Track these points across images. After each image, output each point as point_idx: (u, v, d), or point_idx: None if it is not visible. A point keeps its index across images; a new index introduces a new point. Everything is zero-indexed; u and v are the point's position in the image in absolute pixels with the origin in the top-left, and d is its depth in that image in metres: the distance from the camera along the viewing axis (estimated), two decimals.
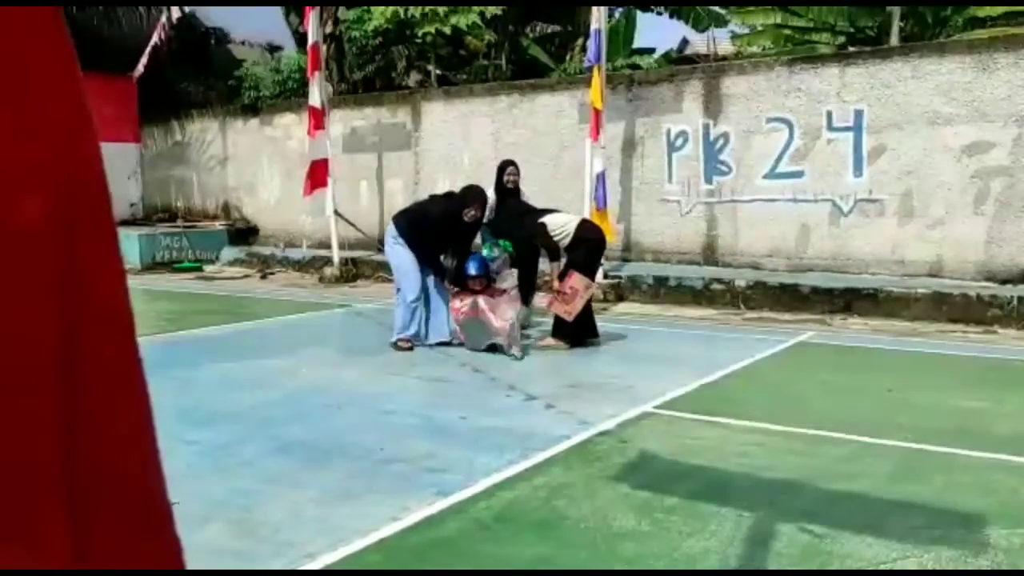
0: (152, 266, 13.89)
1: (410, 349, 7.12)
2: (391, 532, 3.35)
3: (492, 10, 14.10)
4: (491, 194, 8.00)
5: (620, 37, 15.73)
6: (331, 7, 14.98)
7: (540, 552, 3.20)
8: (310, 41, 12.05)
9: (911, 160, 9.44)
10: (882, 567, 3.06)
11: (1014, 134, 8.90)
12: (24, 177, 0.63)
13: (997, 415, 5.13)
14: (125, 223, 15.00)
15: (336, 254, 12.35)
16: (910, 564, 3.08)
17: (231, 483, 3.92)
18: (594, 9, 10.08)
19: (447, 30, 14.08)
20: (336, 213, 12.32)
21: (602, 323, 7.57)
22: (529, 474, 4.04)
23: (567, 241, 7.11)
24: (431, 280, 7.26)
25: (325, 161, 11.98)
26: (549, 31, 17.36)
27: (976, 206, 9.13)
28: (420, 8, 13.94)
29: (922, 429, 4.77)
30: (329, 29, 14.87)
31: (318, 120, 11.95)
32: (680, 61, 16.29)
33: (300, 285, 12.15)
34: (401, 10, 14.09)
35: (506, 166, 8.07)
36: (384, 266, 9.85)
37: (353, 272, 12.34)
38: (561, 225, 7.16)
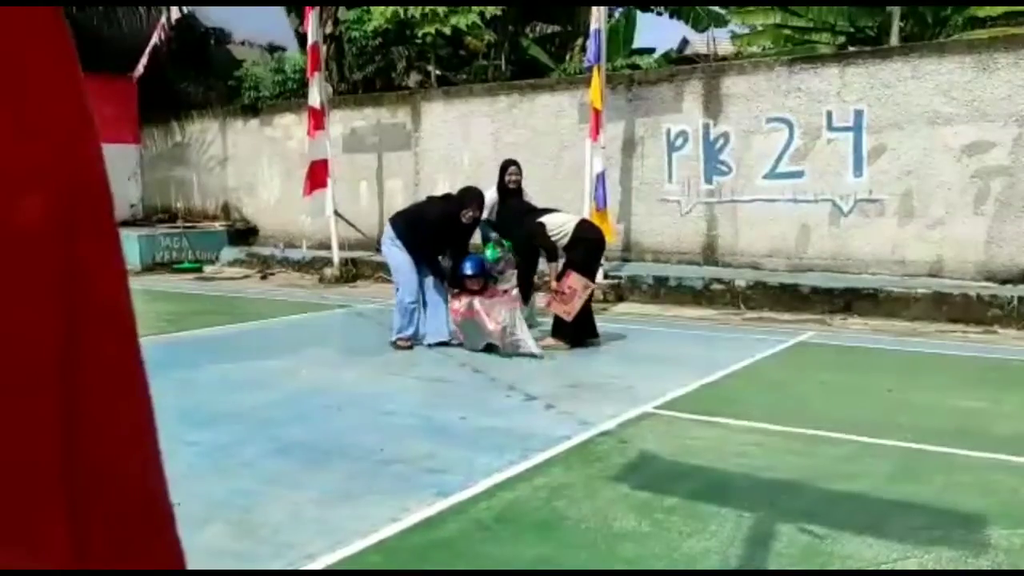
0: (152, 267, 13.89)
1: (409, 349, 7.12)
2: (391, 533, 3.35)
3: (492, 10, 14.10)
4: (493, 193, 8.02)
5: (620, 37, 15.73)
6: (331, 8, 14.98)
7: (540, 553, 3.19)
8: (310, 41, 12.06)
9: (911, 160, 9.44)
10: (883, 567, 3.06)
11: (1014, 134, 8.90)
12: (25, 177, 0.63)
13: (997, 415, 5.13)
14: (125, 224, 14.99)
15: (336, 254, 12.35)
16: (911, 564, 3.08)
17: (231, 484, 3.92)
18: (594, 9, 10.08)
19: (447, 30, 14.08)
20: (336, 213, 12.32)
21: (602, 323, 7.57)
22: (529, 474, 4.04)
23: (565, 241, 7.11)
24: (429, 281, 7.27)
25: (325, 161, 11.98)
26: (549, 31, 17.36)
27: (976, 206, 9.13)
28: (420, 8, 13.95)
29: (922, 429, 4.77)
30: (329, 29, 14.87)
31: (318, 120, 11.95)
32: (680, 61, 16.29)
33: (300, 285, 12.15)
34: (401, 10, 14.09)
35: (508, 166, 8.07)
36: (384, 267, 9.85)
37: (353, 272, 12.34)
38: (560, 225, 7.17)
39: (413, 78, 16.28)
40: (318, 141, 11.99)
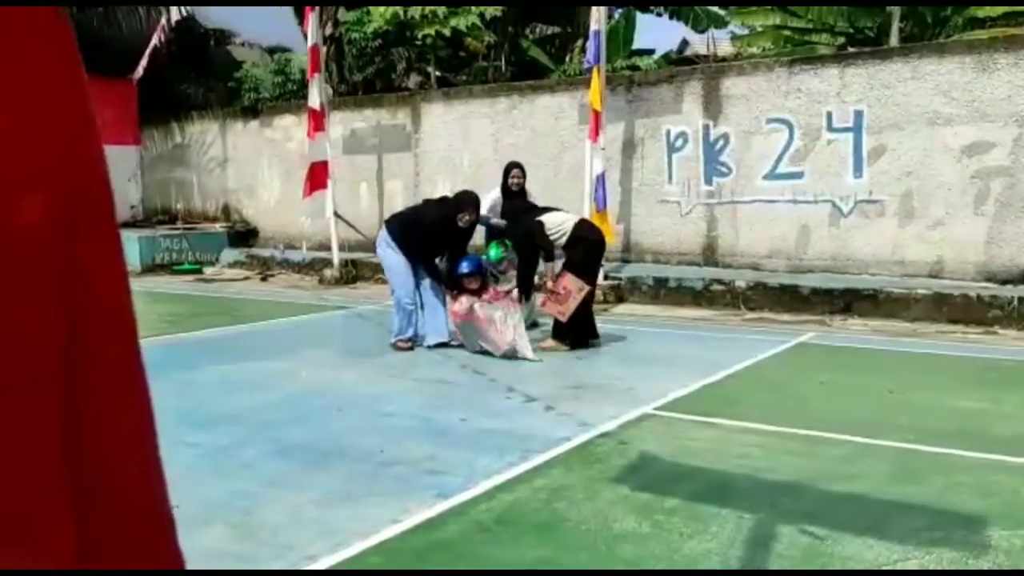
0: (152, 268, 13.89)
1: (410, 350, 7.13)
2: (391, 534, 3.35)
3: (492, 11, 14.11)
4: (497, 194, 8.07)
5: (620, 38, 15.73)
6: (331, 9, 14.99)
7: (541, 554, 3.19)
8: (309, 43, 12.07)
9: (911, 161, 9.44)
10: (884, 568, 3.06)
11: (1014, 134, 8.90)
12: (26, 177, 0.63)
13: (997, 416, 5.13)
14: (125, 225, 14.99)
15: (336, 256, 12.36)
16: (911, 565, 3.08)
17: (231, 485, 3.92)
18: (593, 10, 10.08)
19: (447, 32, 14.09)
20: (336, 215, 12.33)
21: (602, 324, 7.57)
22: (529, 476, 4.04)
23: (564, 240, 7.11)
24: (426, 282, 7.26)
25: (325, 163, 11.99)
26: (549, 32, 17.37)
27: (976, 206, 9.12)
28: (420, 10, 13.96)
29: (922, 430, 4.77)
30: (329, 31, 14.88)
31: (318, 122, 11.95)
32: (680, 62, 16.29)
33: (300, 287, 12.15)
34: (401, 12, 14.10)
35: (511, 168, 8.12)
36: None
37: (353, 274, 12.34)
38: (558, 224, 7.16)
39: (413, 79, 16.29)
40: (318, 142, 11.99)
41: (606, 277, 9.91)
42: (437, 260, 7.39)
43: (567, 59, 16.32)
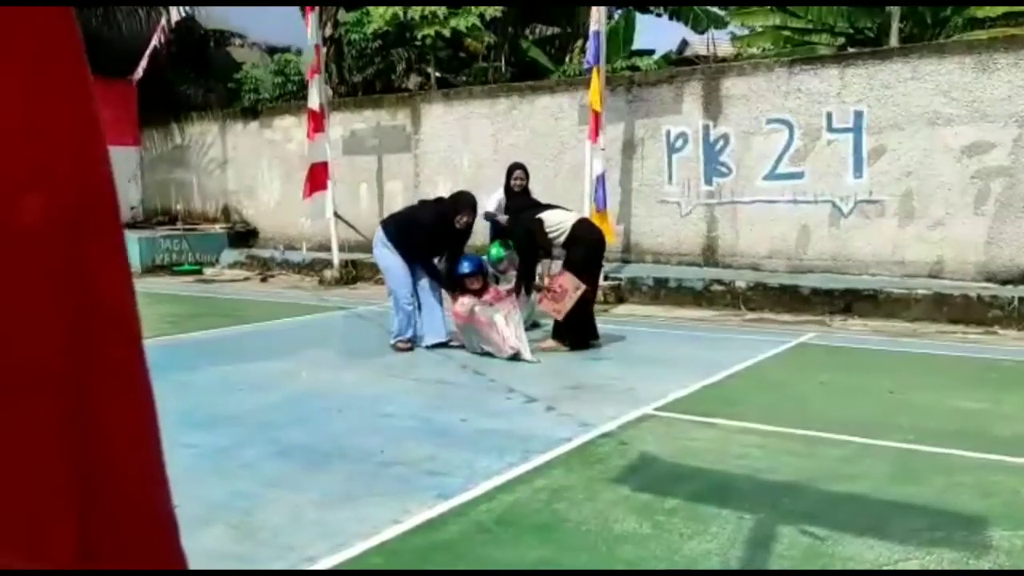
0: (152, 269, 13.89)
1: (410, 350, 7.13)
2: (392, 535, 3.35)
3: (491, 12, 14.12)
4: (501, 194, 8.11)
5: (619, 39, 15.73)
6: (330, 10, 14.99)
7: (541, 555, 3.19)
8: (309, 44, 12.07)
9: (911, 161, 9.44)
10: (884, 569, 3.06)
11: (1014, 134, 8.90)
12: (27, 177, 0.63)
13: (997, 416, 5.13)
14: (125, 226, 14.86)
15: (336, 256, 12.36)
16: (912, 566, 3.08)
17: (231, 486, 3.92)
18: (593, 10, 10.08)
19: (447, 32, 14.09)
20: (336, 215, 12.33)
21: (602, 324, 7.57)
22: (530, 476, 4.04)
23: (563, 239, 7.11)
24: (423, 283, 7.26)
25: (325, 164, 12.00)
26: (548, 33, 17.38)
27: (976, 207, 9.12)
28: (419, 10, 13.96)
29: (922, 430, 4.77)
30: (329, 32, 14.88)
31: (317, 123, 11.96)
32: (680, 62, 16.30)
33: (300, 288, 12.15)
34: (400, 12, 14.10)
35: (514, 169, 8.17)
36: None
37: (353, 274, 12.34)
38: (557, 223, 7.15)
39: (413, 80, 16.29)
40: (318, 143, 12.00)
41: (606, 278, 9.91)
42: (436, 260, 7.40)
43: (567, 60, 16.33)
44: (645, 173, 11.15)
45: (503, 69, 15.69)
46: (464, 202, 7.26)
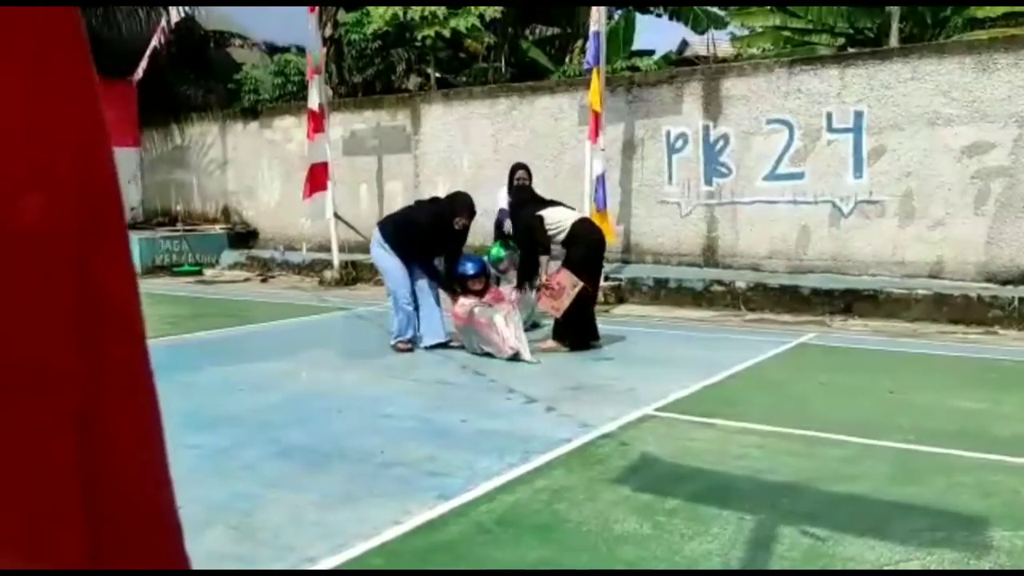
0: (152, 270, 13.89)
1: (410, 351, 7.13)
2: (392, 536, 3.35)
3: (491, 12, 14.12)
4: (504, 194, 8.14)
5: (619, 39, 15.74)
6: (330, 10, 14.99)
7: (541, 555, 3.19)
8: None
9: (911, 161, 9.44)
10: (885, 569, 3.06)
11: (1014, 134, 8.90)
12: (27, 176, 0.63)
13: (997, 416, 5.13)
14: None
15: (336, 257, 12.36)
16: (913, 566, 3.07)
17: (231, 487, 3.92)
18: (593, 11, 10.08)
19: (446, 33, 14.10)
20: (336, 216, 12.33)
21: (602, 325, 7.56)
22: (530, 477, 4.04)
23: (562, 236, 7.10)
24: (421, 283, 7.25)
25: (325, 164, 11.99)
26: (548, 33, 17.39)
27: (976, 207, 9.12)
28: (419, 11, 13.96)
29: (922, 430, 4.77)
30: (328, 32, 14.88)
31: (317, 123, 11.96)
32: (680, 63, 16.31)
33: (300, 288, 12.15)
34: (400, 13, 14.10)
35: (516, 170, 8.23)
36: None
37: (353, 275, 12.34)
38: (558, 221, 7.15)
39: (413, 81, 16.30)
40: (318, 144, 12.00)
41: (607, 278, 9.91)
42: (435, 261, 7.40)
43: (567, 60, 16.33)
44: (645, 173, 11.15)
45: (503, 69, 15.69)
46: (461, 204, 7.26)
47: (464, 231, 7.32)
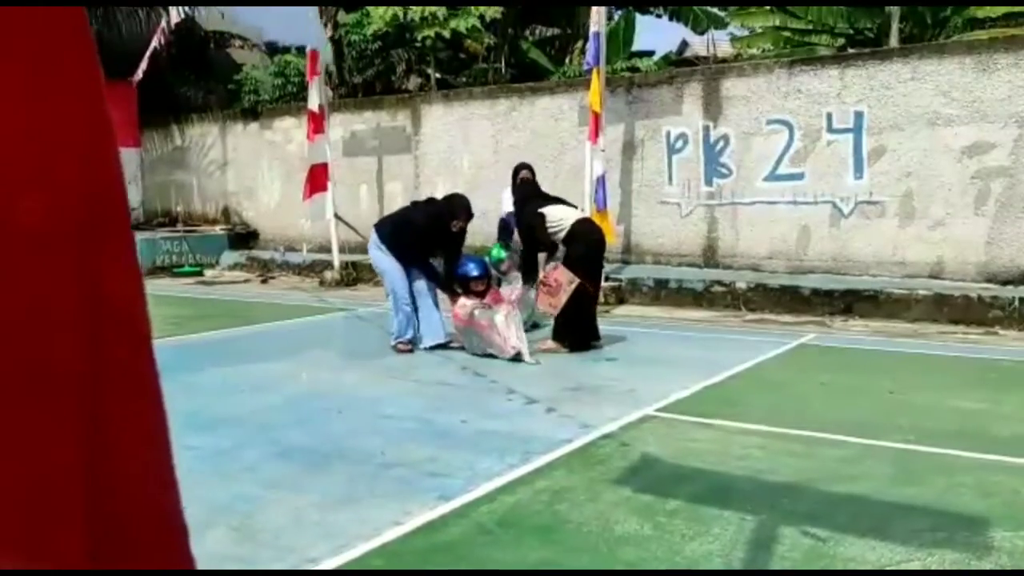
0: (152, 271, 13.89)
1: (410, 352, 7.13)
2: (393, 536, 3.35)
3: (491, 13, 14.12)
4: (508, 195, 8.15)
5: (619, 40, 15.74)
6: (330, 10, 14.99)
7: (542, 556, 3.19)
8: (309, 46, 12.08)
9: (911, 161, 9.44)
10: (887, 569, 3.05)
11: (1014, 135, 8.90)
12: (28, 177, 0.62)
13: (998, 416, 5.13)
14: None
15: (336, 258, 12.36)
16: (914, 567, 3.07)
17: (232, 488, 3.92)
18: (593, 11, 10.08)
19: (446, 33, 14.09)
20: (336, 217, 12.33)
21: (603, 325, 7.56)
22: (531, 478, 4.03)
23: (562, 235, 7.10)
24: (419, 284, 7.24)
25: (325, 165, 11.99)
26: (548, 34, 17.38)
27: (977, 207, 9.12)
28: (419, 11, 13.96)
29: (923, 430, 4.77)
30: (329, 33, 14.88)
31: (317, 124, 11.96)
32: (680, 63, 16.31)
33: (301, 289, 12.15)
34: (400, 14, 14.10)
35: (520, 169, 8.26)
36: None
37: (353, 276, 12.34)
38: (558, 219, 7.15)
39: (413, 81, 16.29)
40: (318, 144, 12.00)
41: (607, 279, 9.91)
42: (432, 262, 7.40)
43: (567, 61, 16.33)
44: (645, 174, 11.15)
45: (503, 70, 15.69)
46: (459, 206, 7.26)
47: (461, 233, 7.32)
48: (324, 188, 12.04)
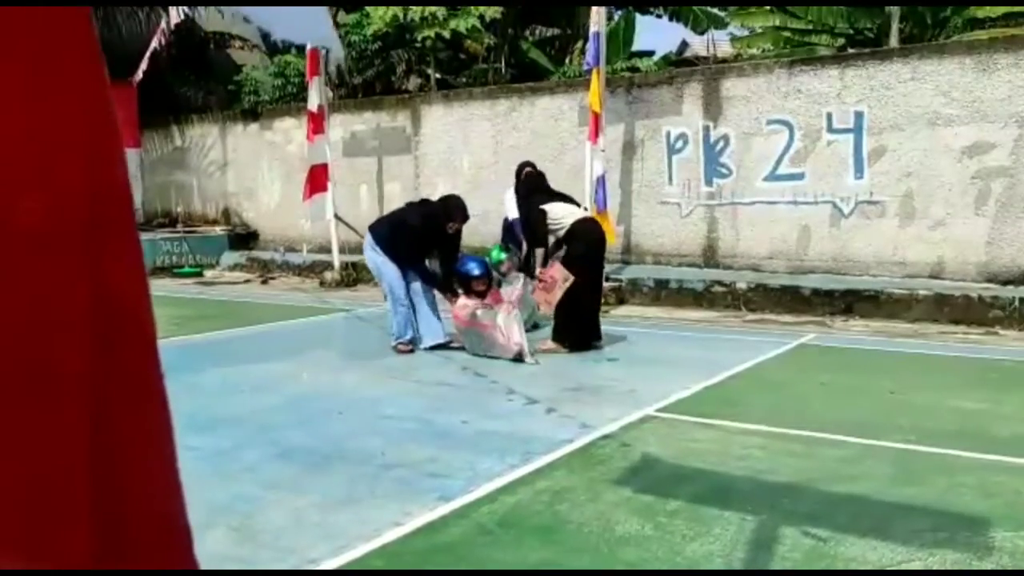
0: (152, 271, 13.87)
1: (410, 352, 7.12)
2: (394, 537, 3.34)
3: (491, 13, 14.11)
4: (511, 195, 8.15)
5: (619, 40, 15.73)
6: (330, 11, 14.98)
7: (543, 556, 3.19)
8: (308, 46, 12.06)
9: (911, 161, 9.44)
10: (888, 569, 3.05)
11: (1014, 135, 8.90)
12: (29, 177, 0.62)
13: (998, 416, 5.13)
14: None
15: (336, 258, 12.36)
16: (915, 567, 3.07)
17: (232, 489, 3.91)
18: (593, 12, 10.08)
19: (446, 34, 14.09)
20: (336, 217, 12.33)
21: (603, 326, 7.55)
22: (531, 478, 4.03)
23: (562, 233, 7.10)
24: (416, 284, 7.24)
25: (325, 165, 11.99)
26: (548, 34, 17.37)
27: (977, 207, 9.12)
28: (419, 12, 13.95)
29: (923, 430, 4.77)
30: None
31: (317, 124, 11.95)
32: (680, 63, 16.30)
33: (301, 290, 12.15)
34: (400, 14, 14.10)
35: (524, 167, 8.24)
36: None
37: (354, 276, 12.34)
38: (559, 217, 7.15)
39: (413, 82, 16.29)
40: (318, 145, 12.00)
41: (607, 279, 9.91)
42: (427, 262, 7.40)
43: (567, 61, 16.32)
44: (645, 174, 11.14)
45: (503, 70, 15.68)
46: (454, 207, 7.26)
47: (457, 235, 7.32)
48: (324, 189, 12.04)
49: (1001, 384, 6.02)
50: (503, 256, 7.88)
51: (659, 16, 16.66)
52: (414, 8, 14.00)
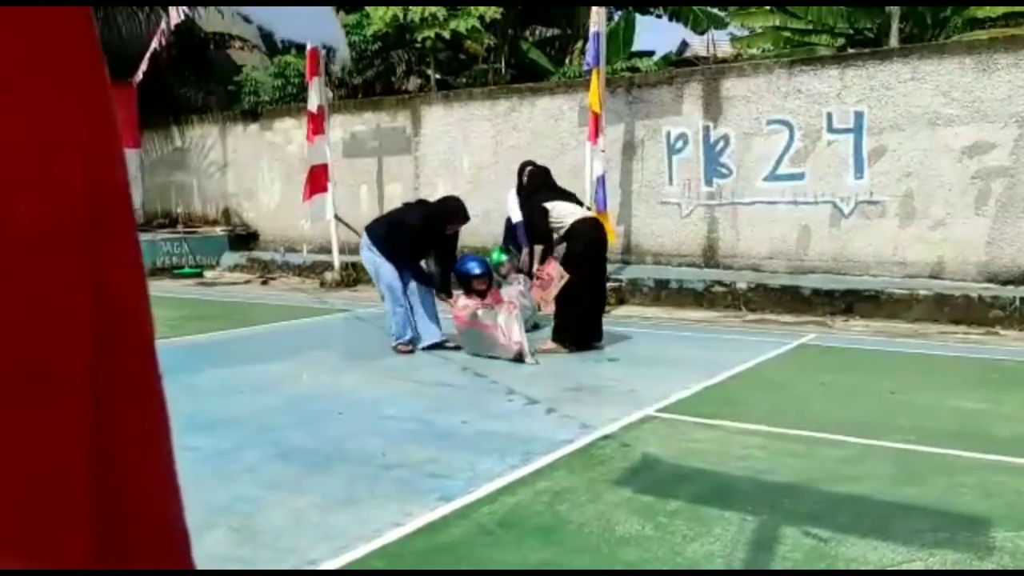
0: (152, 272, 13.86)
1: (410, 353, 7.12)
2: (394, 537, 3.34)
3: (491, 14, 14.11)
4: (513, 196, 8.16)
5: (619, 40, 15.74)
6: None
7: (543, 556, 3.19)
8: (309, 46, 12.06)
9: (912, 161, 9.44)
10: (889, 569, 3.05)
11: (1015, 135, 8.90)
12: (29, 176, 0.62)
13: (998, 416, 5.12)
14: None
15: (336, 259, 12.36)
16: (916, 567, 3.07)
17: (232, 489, 3.91)
18: (593, 12, 10.09)
19: (446, 34, 14.09)
20: (336, 218, 12.33)
21: (603, 326, 7.56)
22: (531, 479, 4.03)
23: (562, 232, 7.10)
24: (413, 285, 7.24)
25: (325, 166, 11.99)
26: (548, 34, 17.37)
27: (977, 207, 9.12)
28: (419, 12, 13.95)
29: (924, 430, 4.76)
30: None
31: (317, 125, 11.95)
32: (680, 63, 16.30)
33: (301, 290, 12.15)
34: (400, 14, 14.10)
35: (526, 166, 8.24)
36: None
37: (354, 277, 12.33)
38: (560, 217, 7.15)
39: (413, 82, 16.29)
40: (318, 146, 12.00)
41: (607, 279, 9.90)
42: (423, 263, 7.40)
43: (567, 61, 16.33)
44: (645, 174, 11.15)
45: (503, 71, 15.69)
46: (453, 209, 7.25)
47: (454, 236, 7.32)
48: (324, 189, 12.04)
49: (1001, 384, 6.02)
50: (503, 258, 7.88)
51: (659, 16, 16.66)
52: (414, 8, 14.00)
